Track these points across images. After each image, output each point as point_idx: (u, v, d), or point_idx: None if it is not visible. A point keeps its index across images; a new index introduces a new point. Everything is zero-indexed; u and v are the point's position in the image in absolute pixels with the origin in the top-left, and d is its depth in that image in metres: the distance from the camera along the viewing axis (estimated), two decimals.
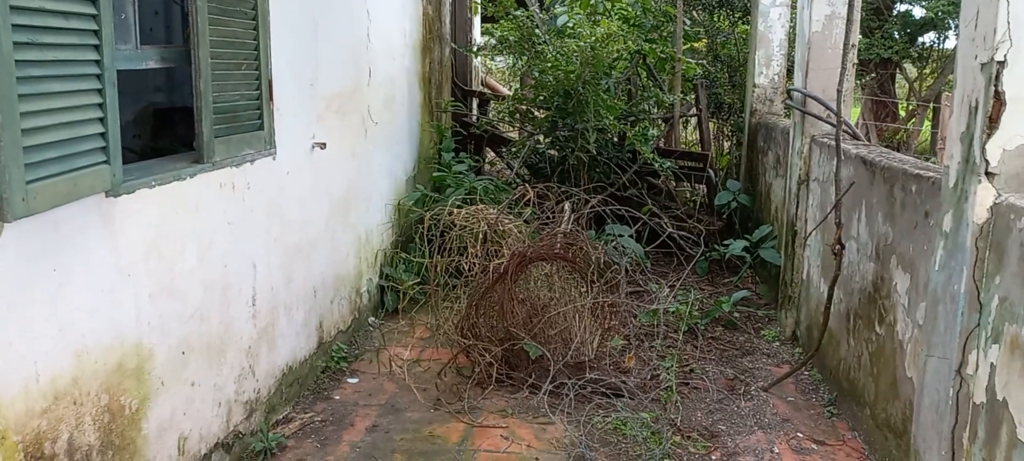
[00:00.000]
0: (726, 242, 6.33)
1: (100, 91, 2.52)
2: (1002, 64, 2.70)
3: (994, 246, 2.63)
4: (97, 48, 2.50)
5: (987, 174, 2.71)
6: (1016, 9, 2.71)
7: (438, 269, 4.75)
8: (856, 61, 5.17)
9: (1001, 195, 2.69)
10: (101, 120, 2.53)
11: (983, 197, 2.72)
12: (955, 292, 2.80)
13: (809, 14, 4.97)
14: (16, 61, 2.11)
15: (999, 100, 2.70)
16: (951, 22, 13.41)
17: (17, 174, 2.11)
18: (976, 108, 2.78)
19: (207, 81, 3.24)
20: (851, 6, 4.07)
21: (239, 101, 3.53)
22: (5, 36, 2.06)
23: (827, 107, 4.84)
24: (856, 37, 4.44)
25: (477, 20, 9.11)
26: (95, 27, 2.48)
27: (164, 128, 4.43)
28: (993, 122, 2.71)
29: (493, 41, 7.84)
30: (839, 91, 4.09)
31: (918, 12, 13.82)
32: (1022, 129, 2.70)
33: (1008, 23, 2.71)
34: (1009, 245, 2.53)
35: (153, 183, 2.89)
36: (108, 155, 2.57)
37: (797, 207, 5.17)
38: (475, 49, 8.21)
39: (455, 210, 4.77)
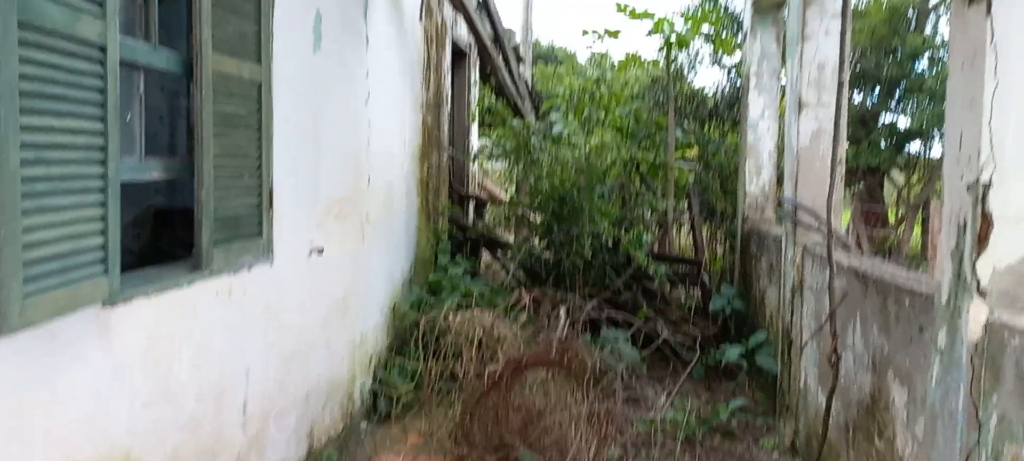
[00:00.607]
0: (722, 347, 6.31)
1: (103, 204, 2.56)
2: (987, 185, 2.77)
3: (990, 364, 2.63)
4: (102, 162, 2.55)
5: (979, 292, 2.74)
6: (999, 131, 2.80)
7: (433, 374, 4.70)
8: (844, 173, 5.29)
9: (994, 313, 2.71)
10: (102, 232, 2.56)
11: (976, 315, 2.75)
12: (953, 409, 2.79)
13: (796, 129, 5.12)
14: (22, 177, 2.15)
15: (987, 220, 2.76)
16: (936, 132, 13.75)
17: (16, 288, 2.12)
18: (965, 227, 2.84)
19: (209, 191, 3.29)
20: (837, 125, 4.19)
21: (239, 209, 3.58)
22: (13, 154, 2.11)
23: (818, 218, 4.91)
24: (843, 152, 4.55)
25: (474, 125, 9.32)
26: (102, 143, 2.53)
27: (164, 228, 4.47)
28: (982, 241, 2.76)
29: (489, 145, 8.00)
30: (829, 204, 4.17)
31: (903, 122, 14.18)
32: (1012, 248, 2.74)
33: (991, 145, 2.80)
34: (1004, 364, 2.53)
35: (150, 292, 2.90)
36: (107, 265, 2.58)
37: (792, 315, 5.18)
38: (473, 155, 8.36)
39: (451, 315, 4.77)
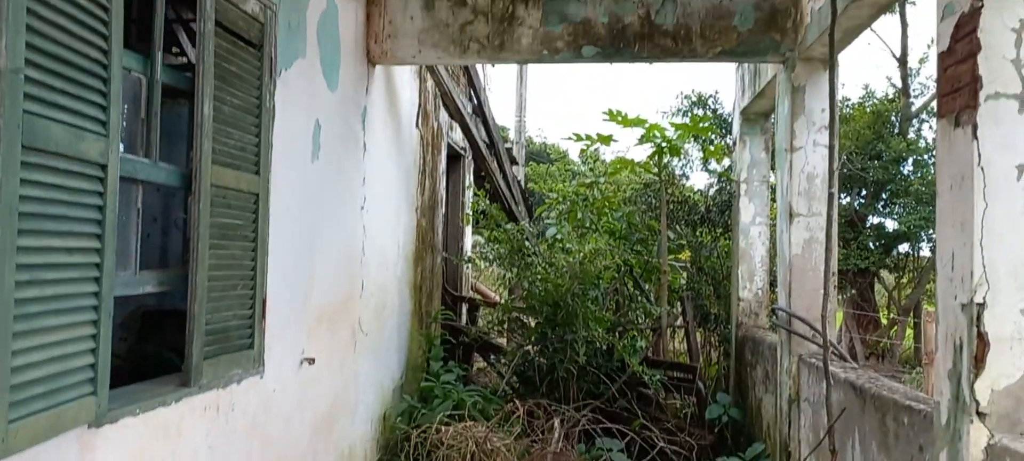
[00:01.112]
0: (718, 459, 6.18)
1: (95, 322, 2.53)
2: (982, 306, 2.78)
3: None
4: (97, 280, 2.54)
5: (978, 414, 2.71)
6: (991, 252, 2.82)
7: None
8: (836, 277, 5.30)
9: (995, 436, 2.68)
10: (93, 351, 2.52)
11: (976, 438, 2.71)
12: None
13: (788, 238, 5.16)
14: (15, 300, 2.13)
15: (983, 341, 2.75)
16: (924, 234, 13.90)
17: (0, 414, 2.07)
18: (961, 347, 2.83)
19: (202, 304, 3.26)
20: (829, 236, 4.23)
21: (231, 321, 3.55)
22: (8, 278, 2.10)
23: (813, 328, 4.90)
24: (835, 264, 4.58)
25: (468, 228, 9.38)
26: (98, 260, 2.53)
27: (152, 330, 4.41)
28: (979, 362, 2.75)
29: (483, 242, 8.03)
30: (824, 316, 4.17)
31: (891, 225, 14.35)
32: (1009, 369, 2.73)
33: (984, 266, 2.82)
34: None
35: (137, 411, 2.84)
36: (95, 385, 2.54)
37: (789, 427, 5.10)
38: (467, 259, 8.38)
39: (442, 428, 4.67)
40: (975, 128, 2.85)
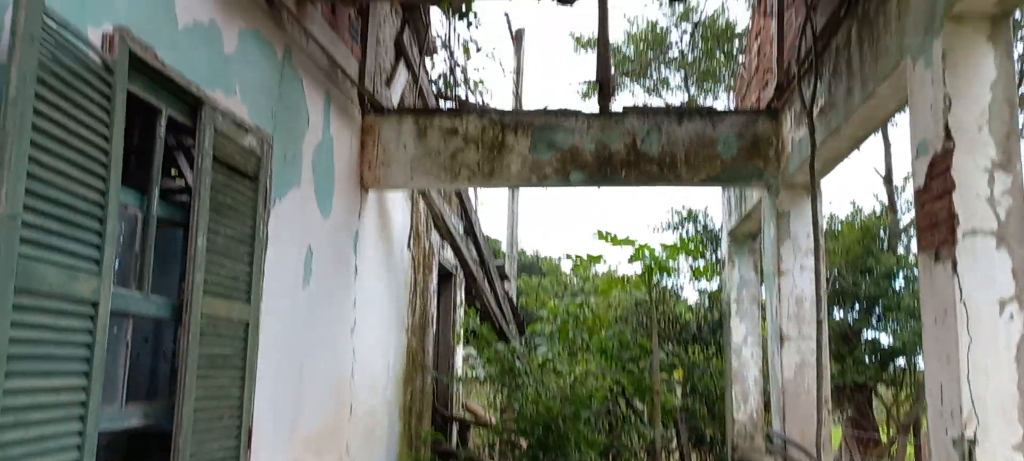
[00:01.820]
0: None
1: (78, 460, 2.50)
2: (973, 441, 2.77)
3: None
4: (82, 419, 2.52)
5: None
6: (978, 387, 2.84)
7: None
8: (831, 397, 5.27)
9: None
10: None
11: None
12: None
13: (780, 361, 5.16)
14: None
15: None
16: (919, 348, 13.85)
17: None
18: None
19: (187, 436, 3.22)
20: (820, 362, 4.23)
21: (217, 452, 3.48)
22: None
23: (809, 455, 4.83)
24: (828, 389, 4.56)
25: (459, 346, 9.33)
26: (83, 399, 2.52)
27: (138, 453, 4.30)
28: None
29: (474, 357, 7.97)
30: (818, 445, 4.12)
31: (886, 339, 14.32)
32: None
33: (973, 401, 2.82)
34: None
35: None
36: None
37: None
38: (458, 378, 8.30)
39: None
40: (955, 263, 2.92)
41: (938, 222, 3.05)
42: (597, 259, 7.76)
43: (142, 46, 2.96)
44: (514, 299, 11.94)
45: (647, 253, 7.67)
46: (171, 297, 3.34)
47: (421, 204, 7.22)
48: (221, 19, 3.62)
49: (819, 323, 4.33)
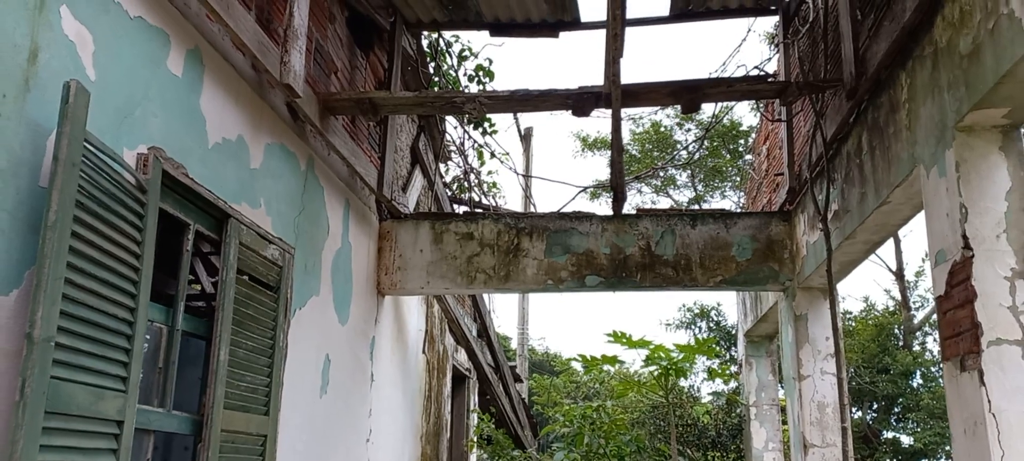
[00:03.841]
0: None
1: None
2: None
3: None
4: None
5: None
6: None
7: None
8: None
9: None
10: None
11: None
12: None
13: None
14: None
15: None
16: (941, 450, 13.51)
17: None
18: None
19: None
20: None
21: None
22: None
23: None
24: None
25: (474, 455, 9.15)
26: None
27: None
28: None
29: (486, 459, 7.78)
30: None
31: (906, 439, 14.00)
32: None
33: None
34: None
35: None
36: None
37: None
38: None
39: None
40: (982, 374, 2.89)
41: (962, 332, 3.04)
42: (612, 360, 7.66)
43: (174, 165, 3.04)
44: (526, 400, 11.78)
45: (663, 355, 7.59)
46: (191, 412, 3.32)
47: (436, 307, 7.23)
48: (248, 135, 3.73)
49: (844, 430, 4.26)
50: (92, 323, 2.44)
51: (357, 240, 5.16)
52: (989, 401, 2.86)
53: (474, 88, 8.05)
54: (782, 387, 6.61)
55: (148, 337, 3.13)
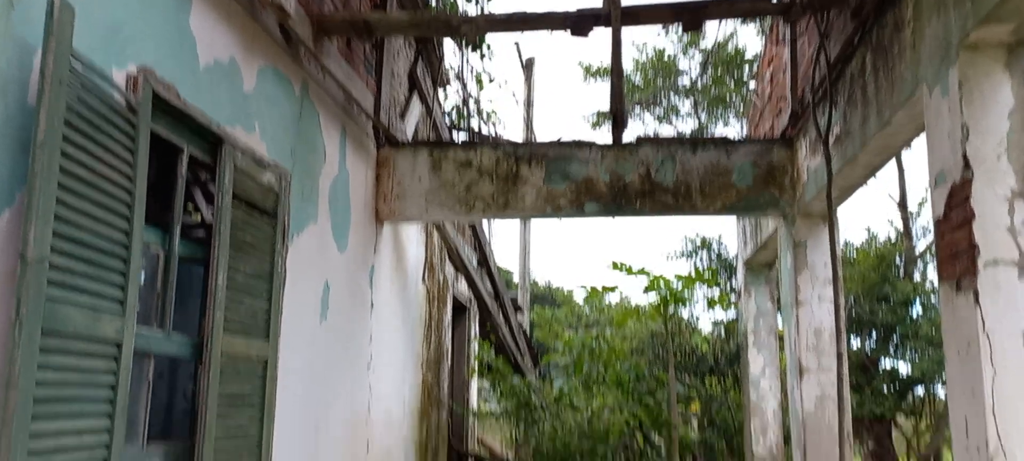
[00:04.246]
0: None
1: None
2: None
3: None
4: (106, 459, 2.52)
5: None
6: (1004, 420, 2.79)
7: None
8: (851, 437, 5.20)
9: None
10: None
11: None
12: None
13: (800, 394, 5.11)
14: None
15: None
16: (939, 377, 13.67)
17: None
18: None
19: None
20: (841, 395, 4.19)
21: None
22: None
23: None
24: (850, 424, 4.51)
25: (474, 380, 9.29)
26: (107, 441, 2.53)
27: None
28: None
29: (487, 389, 7.92)
30: None
31: (904, 368, 14.14)
32: None
33: (999, 435, 2.78)
34: None
35: None
36: None
37: None
38: (472, 411, 8.26)
39: None
40: (977, 295, 2.89)
41: (958, 252, 3.03)
42: (611, 290, 7.73)
43: (165, 86, 3.00)
44: (528, 331, 11.91)
45: (662, 284, 7.64)
46: (191, 335, 3.35)
47: (435, 237, 7.24)
48: (241, 57, 3.68)
49: (839, 356, 4.29)
50: (86, 244, 2.43)
51: (354, 167, 5.14)
52: (983, 321, 2.87)
53: (472, 9, 7.91)
54: (780, 315, 6.65)
55: (145, 262, 3.14)
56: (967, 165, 2.97)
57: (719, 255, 15.74)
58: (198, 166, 3.53)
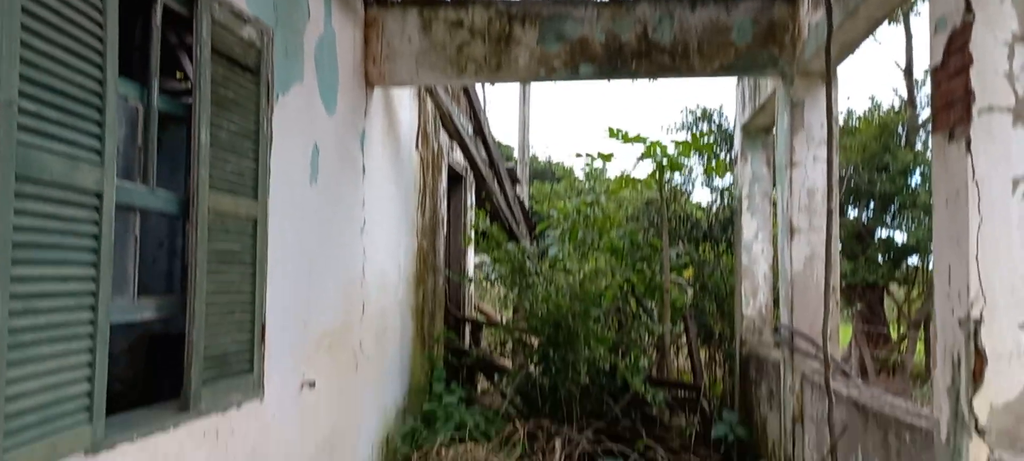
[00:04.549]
0: None
1: (91, 350, 2.54)
2: (979, 321, 2.76)
3: None
4: (93, 308, 2.55)
5: (978, 431, 2.69)
6: (987, 267, 2.81)
7: None
8: (840, 293, 5.28)
9: (995, 452, 2.65)
10: (89, 379, 2.53)
11: (976, 455, 2.68)
12: None
13: (789, 254, 5.15)
14: (9, 328, 2.14)
15: (981, 357, 2.73)
16: (932, 246, 13.80)
17: None
18: (959, 363, 2.81)
19: (200, 330, 3.27)
20: (829, 252, 4.21)
21: (230, 346, 3.55)
22: (2, 305, 2.11)
23: (815, 345, 4.87)
24: (837, 280, 4.56)
25: (470, 248, 9.38)
26: (93, 288, 2.54)
27: (159, 356, 4.39)
28: (977, 378, 2.73)
29: (486, 263, 8.02)
30: (825, 334, 4.14)
31: (900, 237, 14.27)
32: (1008, 386, 2.71)
33: (980, 281, 2.80)
34: None
35: (135, 437, 2.83)
36: (92, 413, 2.54)
37: (794, 446, 5.06)
38: (469, 278, 8.38)
39: (443, 450, 4.65)
40: (969, 142, 2.85)
41: (954, 101, 2.96)
42: (608, 157, 7.69)
43: None
44: (526, 203, 11.94)
45: (659, 150, 7.59)
46: (178, 193, 3.33)
47: (429, 104, 7.14)
48: None
49: (830, 212, 4.29)
50: (57, 91, 2.37)
51: (341, 27, 4.99)
52: (973, 169, 2.83)
53: None
54: (775, 182, 6.63)
55: (125, 115, 3.09)
56: (969, 8, 2.86)
57: (720, 126, 15.60)
58: (175, 20, 3.42)
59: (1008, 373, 2.70)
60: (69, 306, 2.45)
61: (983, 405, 2.69)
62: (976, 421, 2.68)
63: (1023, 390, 2.69)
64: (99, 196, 2.58)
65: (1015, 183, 2.81)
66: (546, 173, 28.77)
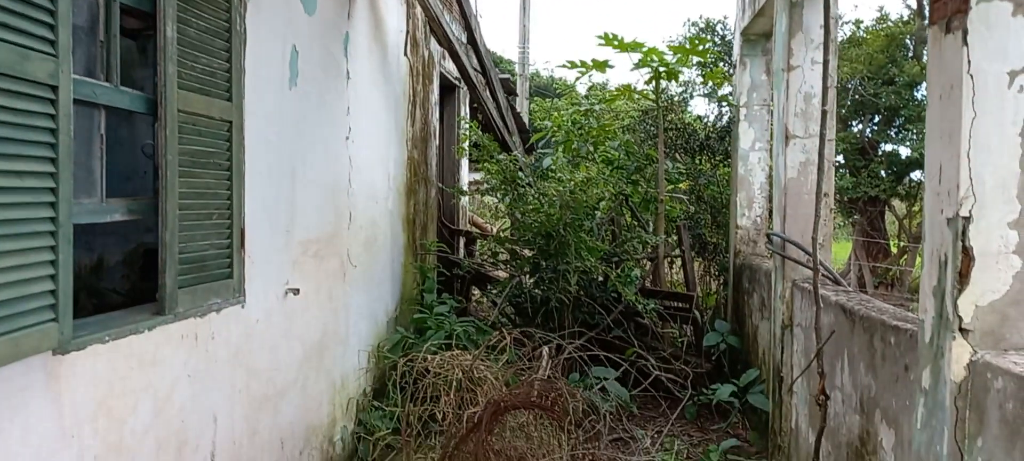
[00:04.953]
0: (714, 386, 6.18)
1: (53, 248, 2.48)
2: (967, 220, 2.68)
3: (974, 406, 2.53)
4: (53, 205, 2.48)
5: (962, 330, 2.64)
6: (978, 164, 2.71)
7: (411, 418, 4.58)
8: (835, 205, 5.18)
9: (977, 353, 2.61)
10: (52, 277, 2.48)
11: (959, 354, 2.64)
12: (938, 453, 2.67)
13: (784, 161, 5.04)
14: None
15: (968, 255, 2.66)
16: None
17: None
18: (945, 263, 2.74)
19: (174, 232, 3.21)
20: (821, 155, 4.11)
21: (208, 250, 3.50)
22: None
23: (805, 252, 4.82)
24: (831, 184, 4.47)
25: (465, 160, 9.27)
26: (53, 185, 2.47)
27: (147, 268, 4.37)
28: (963, 277, 2.67)
29: (482, 179, 7.94)
30: (814, 238, 4.08)
31: (904, 152, 14.11)
32: (994, 285, 2.65)
33: (971, 179, 2.71)
34: (988, 406, 2.43)
35: (107, 338, 2.80)
36: (57, 312, 2.50)
37: (782, 352, 5.07)
38: (461, 190, 8.30)
39: (429, 356, 4.66)
40: (966, 33, 2.71)
41: None
42: (602, 65, 7.48)
43: None
44: (525, 119, 11.76)
45: (655, 58, 7.40)
46: (146, 93, 3.22)
47: (418, 9, 6.92)
48: None
49: (824, 114, 4.17)
50: None
51: None
52: (969, 61, 2.71)
53: None
54: (773, 90, 6.47)
55: (84, 8, 2.96)
56: None
57: (723, 38, 15.24)
58: None
59: (995, 272, 2.63)
60: (26, 203, 2.37)
61: (968, 305, 2.63)
62: (960, 321, 2.63)
63: (1008, 289, 2.63)
64: (54, 89, 2.47)
65: (1011, 76, 2.69)
66: (548, 89, 28.39)
